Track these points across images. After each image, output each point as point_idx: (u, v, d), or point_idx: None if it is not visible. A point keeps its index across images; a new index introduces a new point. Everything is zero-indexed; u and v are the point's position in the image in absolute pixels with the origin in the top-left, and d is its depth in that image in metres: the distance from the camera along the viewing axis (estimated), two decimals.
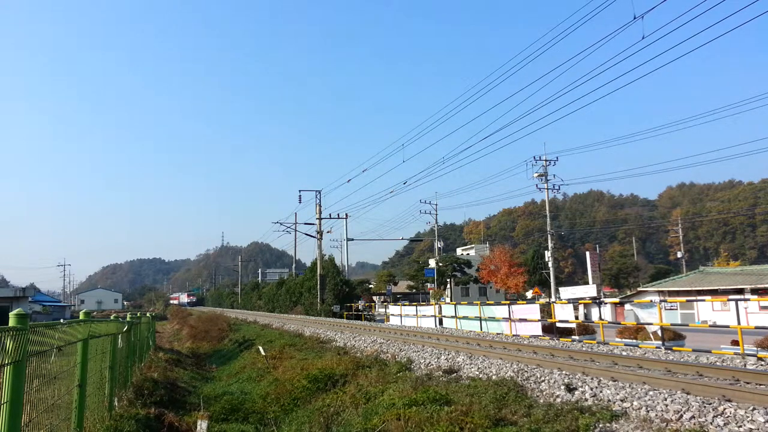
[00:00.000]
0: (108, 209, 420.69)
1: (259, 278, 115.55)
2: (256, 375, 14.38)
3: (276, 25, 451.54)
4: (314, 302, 43.53)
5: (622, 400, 7.21)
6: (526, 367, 10.08)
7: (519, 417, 6.93)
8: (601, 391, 7.74)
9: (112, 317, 9.69)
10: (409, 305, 32.69)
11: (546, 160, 42.80)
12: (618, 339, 16.74)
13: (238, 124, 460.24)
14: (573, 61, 19.40)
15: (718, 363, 10.19)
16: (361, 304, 43.66)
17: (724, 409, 6.23)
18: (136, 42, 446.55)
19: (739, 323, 12.53)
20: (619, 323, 21.19)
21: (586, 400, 7.51)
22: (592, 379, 8.59)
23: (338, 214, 49.94)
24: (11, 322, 3.47)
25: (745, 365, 9.98)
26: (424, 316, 27.42)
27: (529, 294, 58.46)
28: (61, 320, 7.27)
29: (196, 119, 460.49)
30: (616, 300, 35.02)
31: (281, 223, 58.04)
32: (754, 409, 6.09)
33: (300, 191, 48.30)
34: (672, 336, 15.22)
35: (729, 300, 19.47)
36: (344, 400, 9.35)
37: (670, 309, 31.07)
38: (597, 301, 28.81)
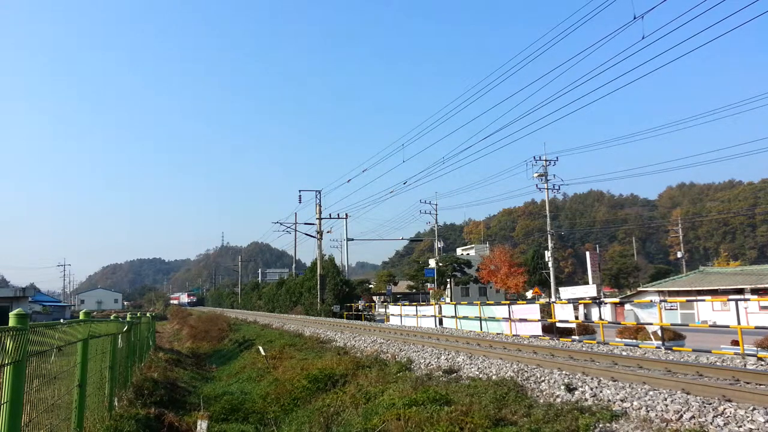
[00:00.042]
0: (108, 209, 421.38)
1: (259, 278, 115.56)
2: (256, 375, 14.38)
3: (276, 25, 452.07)
4: (314, 302, 43.54)
5: (622, 400, 7.21)
6: (526, 367, 10.08)
7: (519, 417, 6.93)
8: (601, 391, 7.74)
9: (112, 317, 9.69)
10: (409, 305, 32.69)
11: (546, 160, 42.81)
12: (618, 339, 16.74)
13: (238, 124, 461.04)
14: (573, 61, 19.41)
15: (718, 363, 10.19)
16: (361, 304, 43.65)
17: (724, 409, 6.23)
18: (136, 42, 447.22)
19: (739, 323, 12.53)
20: (619, 323, 21.19)
21: (586, 400, 7.51)
22: (592, 379, 8.59)
23: (338, 214, 50.02)
24: (11, 322, 3.47)
25: (745, 365, 9.98)
26: (424, 316, 27.42)
27: (529, 294, 58.46)
28: (61, 320, 7.26)
29: (196, 119, 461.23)
30: (616, 300, 35.03)
31: (281, 223, 58.14)
32: (754, 409, 6.09)
33: (300, 191, 48.41)
34: (672, 336, 15.22)
35: (729, 300, 19.47)
36: (344, 400, 9.35)
37: (670, 309, 31.07)
38: (597, 301, 28.79)
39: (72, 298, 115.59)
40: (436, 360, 12.26)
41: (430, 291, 54.47)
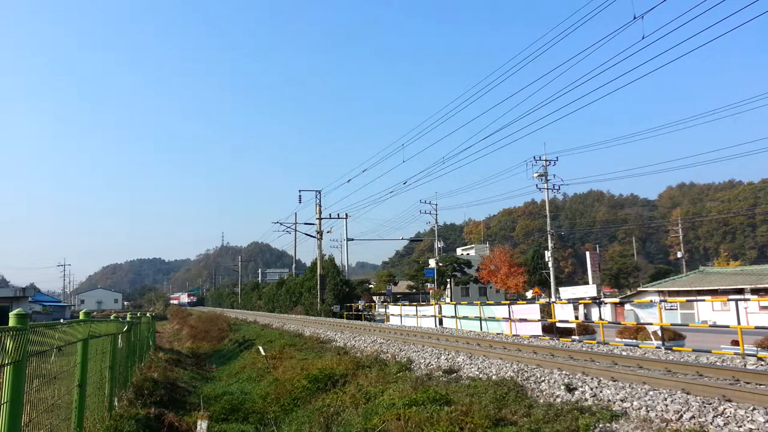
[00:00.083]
0: (108, 209, 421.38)
1: (259, 278, 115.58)
2: (256, 375, 14.38)
3: (276, 25, 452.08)
4: (314, 302, 43.54)
5: (622, 400, 7.21)
6: (526, 367, 10.08)
7: (519, 417, 6.93)
8: (601, 391, 7.74)
9: (112, 317, 9.69)
10: (409, 305, 32.69)
11: (546, 160, 42.81)
12: (618, 339, 16.74)
13: (238, 124, 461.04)
14: (573, 61, 19.42)
15: (718, 363, 10.19)
16: (361, 304, 43.65)
17: (724, 409, 6.23)
18: (136, 42, 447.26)
19: (739, 323, 12.53)
20: (619, 323, 21.19)
21: (586, 400, 7.51)
22: (592, 379, 8.59)
23: (338, 214, 50.01)
24: (11, 322, 3.47)
25: (745, 365, 9.98)
26: (424, 316, 27.42)
27: (529, 294, 58.46)
28: (61, 320, 7.27)
29: (196, 119, 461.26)
30: (616, 300, 35.03)
31: (281, 223, 58.15)
32: (754, 409, 6.09)
33: (300, 191, 48.41)
34: (672, 336, 15.22)
35: (729, 300, 19.47)
36: (344, 400, 9.35)
37: (670, 309, 31.07)
38: (597, 301, 28.79)
39: (72, 298, 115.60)
40: (436, 360, 12.26)
41: (430, 291, 54.47)
